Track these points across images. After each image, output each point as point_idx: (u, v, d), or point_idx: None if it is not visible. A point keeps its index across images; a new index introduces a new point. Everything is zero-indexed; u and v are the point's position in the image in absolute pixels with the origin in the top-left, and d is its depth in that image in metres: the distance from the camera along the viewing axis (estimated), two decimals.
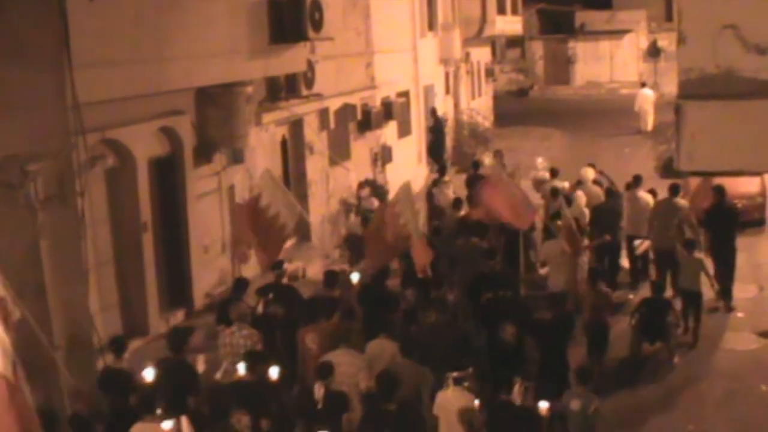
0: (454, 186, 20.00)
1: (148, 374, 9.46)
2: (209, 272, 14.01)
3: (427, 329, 10.89)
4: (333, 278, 12.29)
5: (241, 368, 9.59)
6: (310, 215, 17.53)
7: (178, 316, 13.26)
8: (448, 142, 28.78)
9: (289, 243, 16.51)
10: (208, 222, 14.09)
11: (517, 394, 9.21)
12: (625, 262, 16.70)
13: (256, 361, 9.64)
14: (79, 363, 10.01)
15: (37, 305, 9.91)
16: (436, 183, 19.72)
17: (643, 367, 13.08)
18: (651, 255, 16.21)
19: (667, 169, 22.59)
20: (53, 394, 9.53)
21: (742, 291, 16.03)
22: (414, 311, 11.55)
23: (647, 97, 33.73)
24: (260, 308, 11.77)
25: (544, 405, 9.34)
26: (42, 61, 10.11)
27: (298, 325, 11.31)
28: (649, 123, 32.93)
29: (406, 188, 13.01)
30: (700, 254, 14.42)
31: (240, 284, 12.08)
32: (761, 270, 17.16)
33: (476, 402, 9.26)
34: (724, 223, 15.54)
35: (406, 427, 8.73)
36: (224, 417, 8.56)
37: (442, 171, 20.42)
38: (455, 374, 9.31)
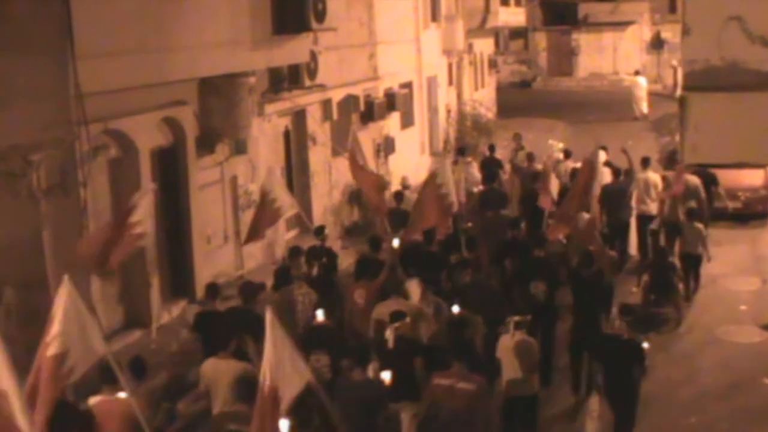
0: None
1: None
2: (211, 262, 14.01)
3: (471, 284, 11.68)
4: (378, 242, 13.07)
5: (320, 314, 10.43)
6: (313, 206, 17.55)
7: (180, 306, 13.27)
8: (451, 133, 28.76)
9: (292, 234, 16.52)
10: (210, 212, 14.09)
11: (618, 329, 10.02)
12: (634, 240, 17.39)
13: (332, 308, 10.62)
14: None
15: (38, 294, 9.94)
16: (456, 163, 20.11)
17: (651, 322, 13.77)
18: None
19: (670, 160, 22.60)
20: None
21: (744, 284, 16.04)
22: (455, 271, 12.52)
23: (640, 84, 36.07)
24: (314, 271, 12.41)
25: (645, 345, 10.13)
26: (45, 51, 10.11)
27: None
28: (643, 109, 34.96)
29: (442, 161, 14.07)
30: (699, 223, 15.31)
31: (295, 251, 12.51)
32: (764, 263, 17.11)
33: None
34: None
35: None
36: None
37: (462, 152, 20.58)
38: (516, 318, 9.91)
